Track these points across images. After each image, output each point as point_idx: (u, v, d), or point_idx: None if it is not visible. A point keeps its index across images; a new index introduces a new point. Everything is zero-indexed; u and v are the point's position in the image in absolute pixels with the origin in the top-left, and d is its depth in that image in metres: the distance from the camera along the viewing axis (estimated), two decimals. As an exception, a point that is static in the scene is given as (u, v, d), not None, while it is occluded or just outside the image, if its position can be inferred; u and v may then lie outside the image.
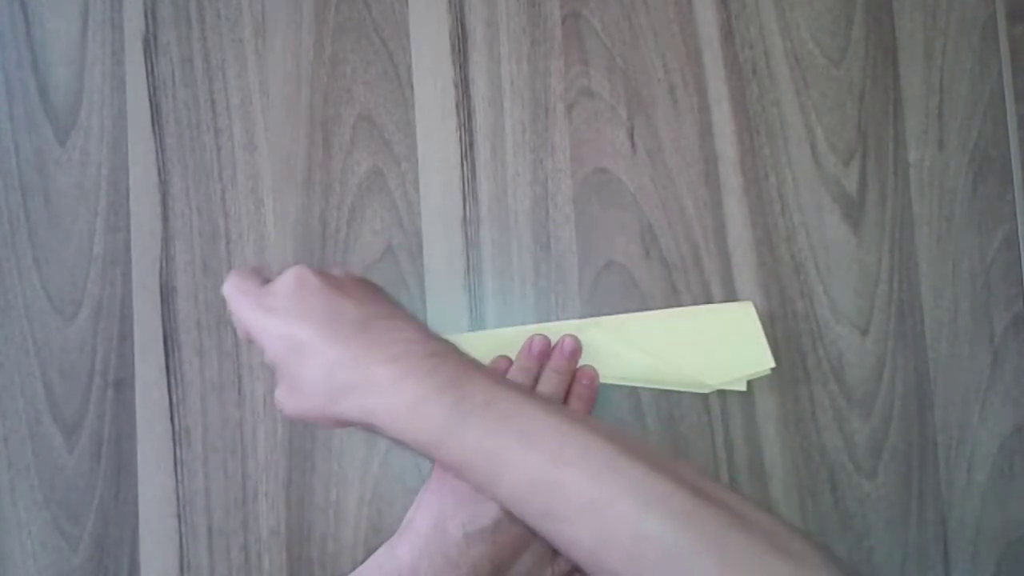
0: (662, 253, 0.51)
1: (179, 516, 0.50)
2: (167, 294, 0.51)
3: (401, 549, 0.40)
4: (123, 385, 0.51)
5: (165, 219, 0.52)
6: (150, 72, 0.53)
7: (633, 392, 0.50)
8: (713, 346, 0.43)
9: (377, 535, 0.49)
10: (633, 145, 0.51)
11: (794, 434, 0.50)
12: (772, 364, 0.48)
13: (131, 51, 0.53)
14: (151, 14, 0.53)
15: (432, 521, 0.40)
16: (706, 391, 0.49)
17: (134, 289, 0.51)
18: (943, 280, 0.51)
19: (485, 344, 0.49)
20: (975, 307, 0.50)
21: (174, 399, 0.50)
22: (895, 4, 0.52)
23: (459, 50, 0.52)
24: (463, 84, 0.52)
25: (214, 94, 0.52)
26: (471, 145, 0.52)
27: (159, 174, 0.52)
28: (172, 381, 0.51)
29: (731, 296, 0.50)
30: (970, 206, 0.51)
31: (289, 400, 0.36)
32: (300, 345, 0.35)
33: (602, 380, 0.48)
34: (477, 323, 0.50)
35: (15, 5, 0.53)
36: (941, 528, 0.49)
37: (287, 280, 0.37)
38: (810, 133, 0.51)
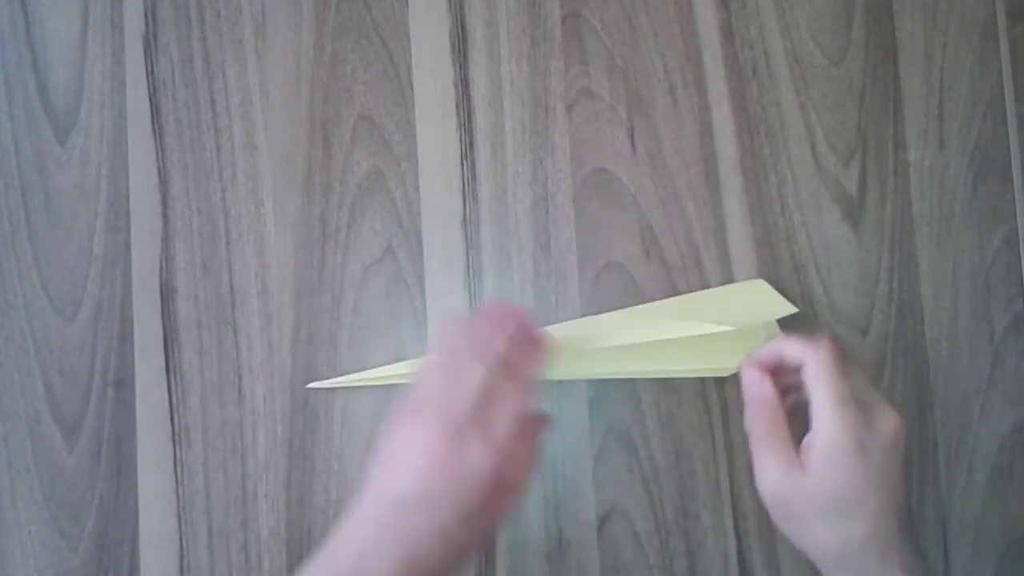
0: (662, 253, 0.51)
1: (179, 516, 0.50)
2: (167, 294, 0.51)
3: None
4: (123, 385, 0.51)
5: (165, 219, 0.52)
6: (150, 72, 0.53)
7: (633, 393, 0.50)
8: (730, 311, 0.44)
9: (377, 535, 0.49)
10: (633, 145, 0.51)
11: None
12: (794, 308, 0.47)
13: (131, 51, 0.53)
14: (151, 14, 0.53)
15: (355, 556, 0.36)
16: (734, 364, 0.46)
17: (134, 289, 0.51)
18: (943, 280, 0.51)
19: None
20: (975, 307, 0.50)
21: (174, 399, 0.50)
22: (895, 4, 0.52)
23: (459, 50, 0.52)
24: (463, 84, 0.52)
25: (214, 94, 0.52)
26: (471, 145, 0.52)
27: (159, 174, 0.52)
28: (172, 381, 0.51)
29: (731, 296, 0.50)
30: (970, 206, 0.51)
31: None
32: None
33: (629, 375, 0.48)
34: (477, 323, 0.50)
35: (15, 5, 0.53)
36: (941, 528, 0.49)
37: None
38: (810, 133, 0.51)
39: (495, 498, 0.36)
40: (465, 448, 0.35)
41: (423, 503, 0.35)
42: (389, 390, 0.50)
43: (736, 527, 0.49)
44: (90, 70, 0.53)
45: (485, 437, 0.36)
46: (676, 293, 0.50)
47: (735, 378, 0.50)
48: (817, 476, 0.38)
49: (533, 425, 0.39)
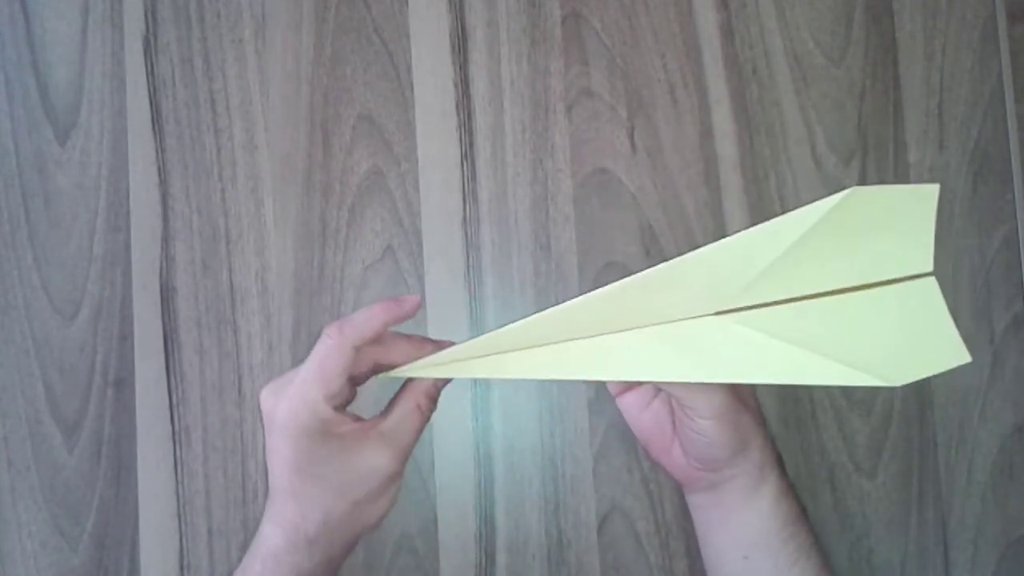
0: (662, 253, 0.51)
1: (179, 516, 0.50)
2: (167, 294, 0.51)
3: None
4: (123, 385, 0.51)
5: (165, 219, 0.52)
6: (150, 72, 0.53)
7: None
8: (888, 332, 0.35)
9: (377, 535, 0.49)
10: (633, 145, 0.51)
11: (794, 434, 0.50)
12: (968, 358, 0.35)
13: (131, 51, 0.53)
14: (151, 14, 0.53)
15: None
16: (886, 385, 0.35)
17: (134, 289, 0.51)
18: (943, 280, 0.50)
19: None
20: (975, 307, 0.50)
21: (174, 399, 0.50)
22: (895, 4, 0.52)
23: (459, 50, 0.52)
24: (463, 84, 0.52)
25: (214, 94, 0.52)
26: (471, 145, 0.52)
27: (159, 174, 0.52)
28: (172, 381, 0.51)
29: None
30: (970, 206, 0.51)
31: None
32: None
33: (750, 381, 0.36)
34: (477, 323, 0.50)
35: (15, 5, 0.53)
36: (941, 528, 0.49)
37: None
38: (810, 133, 0.51)
39: (320, 450, 0.36)
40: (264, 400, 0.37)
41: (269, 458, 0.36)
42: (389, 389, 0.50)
43: (736, 527, 0.49)
44: (90, 70, 0.53)
45: (277, 385, 0.36)
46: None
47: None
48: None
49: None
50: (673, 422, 0.40)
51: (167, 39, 0.53)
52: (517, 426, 0.50)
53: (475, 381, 0.50)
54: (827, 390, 0.50)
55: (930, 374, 0.34)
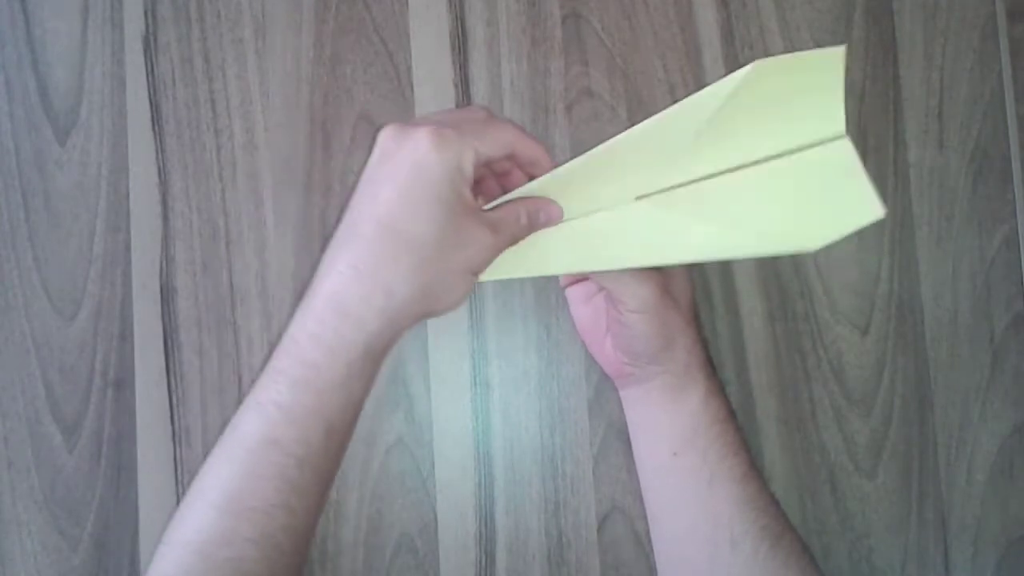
0: (662, 253, 0.51)
1: (179, 516, 0.50)
2: (167, 294, 0.51)
3: None
4: (123, 385, 0.51)
5: (165, 219, 0.52)
6: (150, 72, 0.53)
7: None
8: (805, 198, 0.35)
9: (377, 535, 0.49)
10: (633, 145, 0.51)
11: (794, 434, 0.50)
12: (882, 212, 0.35)
13: (131, 51, 0.53)
14: (151, 14, 0.53)
15: None
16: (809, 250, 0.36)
17: (134, 289, 0.51)
18: (943, 280, 0.51)
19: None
20: (975, 307, 0.50)
21: (174, 399, 0.50)
22: (895, 4, 0.52)
23: (459, 50, 0.52)
24: (463, 84, 0.52)
25: (214, 94, 0.52)
26: (471, 145, 0.52)
27: (159, 174, 0.52)
28: (172, 381, 0.51)
29: (730, 295, 0.50)
30: (970, 206, 0.51)
31: None
32: None
33: (672, 262, 0.39)
34: (477, 323, 0.50)
35: (15, 5, 0.53)
36: (941, 528, 0.49)
37: None
38: (810, 133, 0.51)
39: (458, 214, 0.34)
40: (411, 134, 0.34)
41: (367, 190, 0.35)
42: (389, 389, 0.50)
43: (736, 527, 0.49)
44: (90, 70, 0.53)
45: (434, 125, 0.34)
46: (676, 293, 0.50)
47: (733, 375, 0.50)
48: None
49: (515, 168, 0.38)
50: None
51: (167, 39, 0.53)
52: (517, 426, 0.50)
53: (475, 381, 0.50)
54: (827, 390, 0.50)
55: (844, 234, 0.35)
